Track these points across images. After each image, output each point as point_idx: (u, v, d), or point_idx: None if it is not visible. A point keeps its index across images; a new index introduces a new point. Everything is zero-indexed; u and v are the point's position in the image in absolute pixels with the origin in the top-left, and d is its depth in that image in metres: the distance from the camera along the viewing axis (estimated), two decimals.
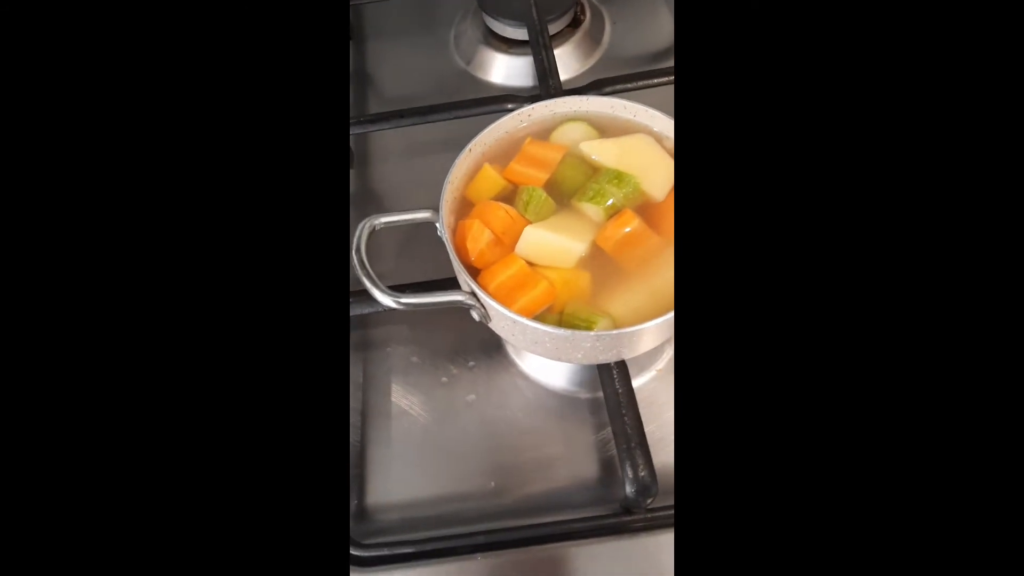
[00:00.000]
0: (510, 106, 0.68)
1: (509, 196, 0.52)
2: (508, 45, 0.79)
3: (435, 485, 0.55)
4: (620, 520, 0.50)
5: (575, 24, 0.80)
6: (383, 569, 0.50)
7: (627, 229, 0.48)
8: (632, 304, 0.46)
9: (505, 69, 0.79)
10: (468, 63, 0.80)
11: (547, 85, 0.69)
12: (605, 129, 0.54)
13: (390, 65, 0.81)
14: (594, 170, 0.52)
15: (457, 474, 0.55)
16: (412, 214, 0.50)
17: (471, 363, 0.60)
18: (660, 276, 0.47)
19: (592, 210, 0.50)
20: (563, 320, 0.46)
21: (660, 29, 0.81)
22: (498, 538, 0.50)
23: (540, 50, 0.72)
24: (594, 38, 0.81)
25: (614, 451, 0.54)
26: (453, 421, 0.57)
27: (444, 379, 0.60)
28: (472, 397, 0.59)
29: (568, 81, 0.75)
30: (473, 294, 0.46)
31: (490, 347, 0.60)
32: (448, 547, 0.50)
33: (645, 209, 0.51)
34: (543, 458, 0.55)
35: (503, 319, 0.45)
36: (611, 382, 0.51)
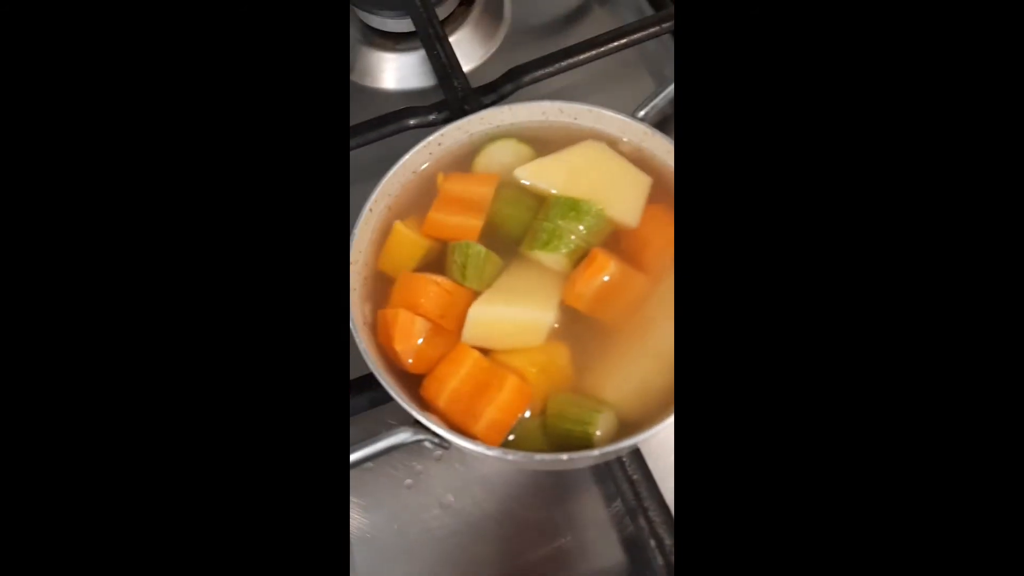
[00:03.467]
0: (412, 122, 0.54)
1: (437, 260, 0.39)
2: (394, 41, 0.65)
3: None
4: None
5: (467, 2, 0.66)
6: None
7: (604, 278, 0.36)
8: (633, 378, 0.34)
9: (396, 71, 0.65)
10: (351, 71, 0.65)
11: (451, 87, 0.55)
12: (542, 142, 0.41)
13: None
14: (540, 200, 0.39)
15: None
16: None
17: (437, 453, 0.48)
18: (658, 329, 0.35)
19: (550, 259, 0.37)
20: (547, 425, 0.34)
21: (572, 6, 0.68)
22: None
23: (433, 43, 0.58)
24: (493, 15, 0.67)
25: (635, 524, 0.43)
26: (430, 535, 0.45)
27: (408, 481, 0.47)
28: (450, 498, 0.46)
29: (474, 73, 0.61)
30: (419, 424, 0.33)
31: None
32: None
33: (618, 241, 0.38)
34: (553, 554, 0.44)
35: (470, 450, 0.33)
36: (622, 471, 0.39)
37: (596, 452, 0.31)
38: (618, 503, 0.44)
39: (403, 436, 0.34)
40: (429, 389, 0.35)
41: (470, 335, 0.35)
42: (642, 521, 0.38)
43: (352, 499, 0.46)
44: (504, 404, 0.33)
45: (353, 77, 0.65)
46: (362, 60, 0.66)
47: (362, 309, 0.37)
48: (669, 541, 0.38)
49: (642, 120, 0.40)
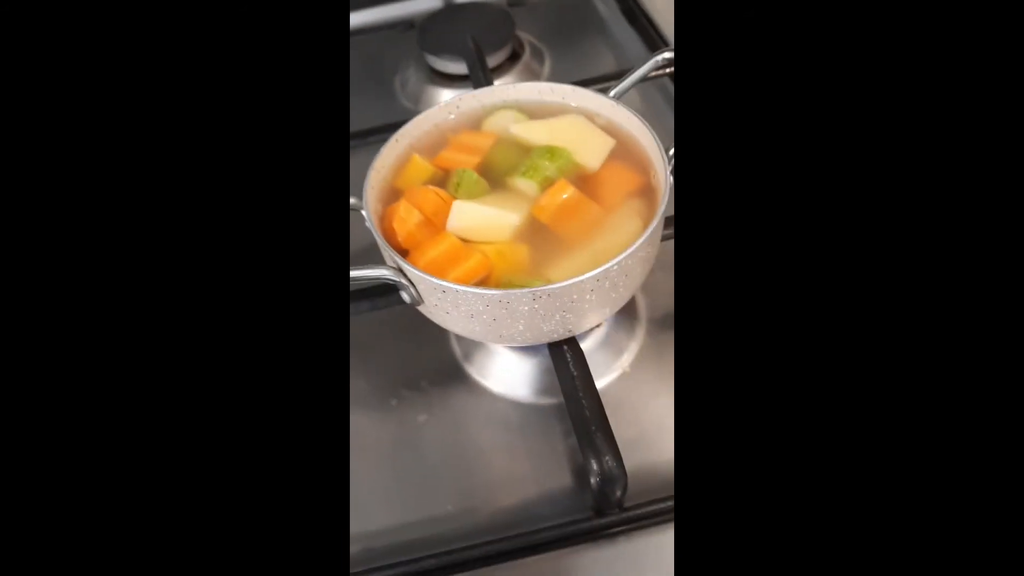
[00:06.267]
0: None
1: (440, 182, 0.50)
2: (451, 80, 0.80)
3: (393, 513, 0.48)
4: (593, 523, 0.44)
5: (514, 58, 0.82)
6: None
7: (563, 196, 0.46)
8: (572, 267, 0.43)
9: None
10: (416, 104, 0.81)
11: None
12: (536, 113, 0.53)
13: None
14: (527, 150, 0.50)
15: (413, 501, 0.49)
16: None
17: (423, 383, 0.55)
18: (602, 240, 0.44)
19: (525, 184, 0.48)
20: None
21: (600, 62, 0.83)
22: (455, 559, 0.44)
23: (481, 83, 0.73)
24: (533, 72, 0.82)
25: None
26: (406, 445, 0.52)
27: (393, 402, 0.55)
28: (423, 417, 0.53)
29: None
30: (399, 270, 0.43)
31: (447, 367, 0.55)
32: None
33: (581, 180, 0.48)
34: (507, 475, 0.50)
35: (433, 293, 0.42)
36: (564, 363, 0.46)
37: (529, 291, 0.39)
38: (574, 438, 0.50)
39: (384, 271, 0.43)
40: (413, 257, 0.44)
41: (453, 224, 0.46)
42: (580, 427, 0.44)
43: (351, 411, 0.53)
44: (468, 269, 0.43)
45: (417, 108, 0.80)
46: (425, 95, 0.81)
47: (376, 207, 0.48)
48: (604, 449, 0.43)
49: (611, 97, 0.52)
